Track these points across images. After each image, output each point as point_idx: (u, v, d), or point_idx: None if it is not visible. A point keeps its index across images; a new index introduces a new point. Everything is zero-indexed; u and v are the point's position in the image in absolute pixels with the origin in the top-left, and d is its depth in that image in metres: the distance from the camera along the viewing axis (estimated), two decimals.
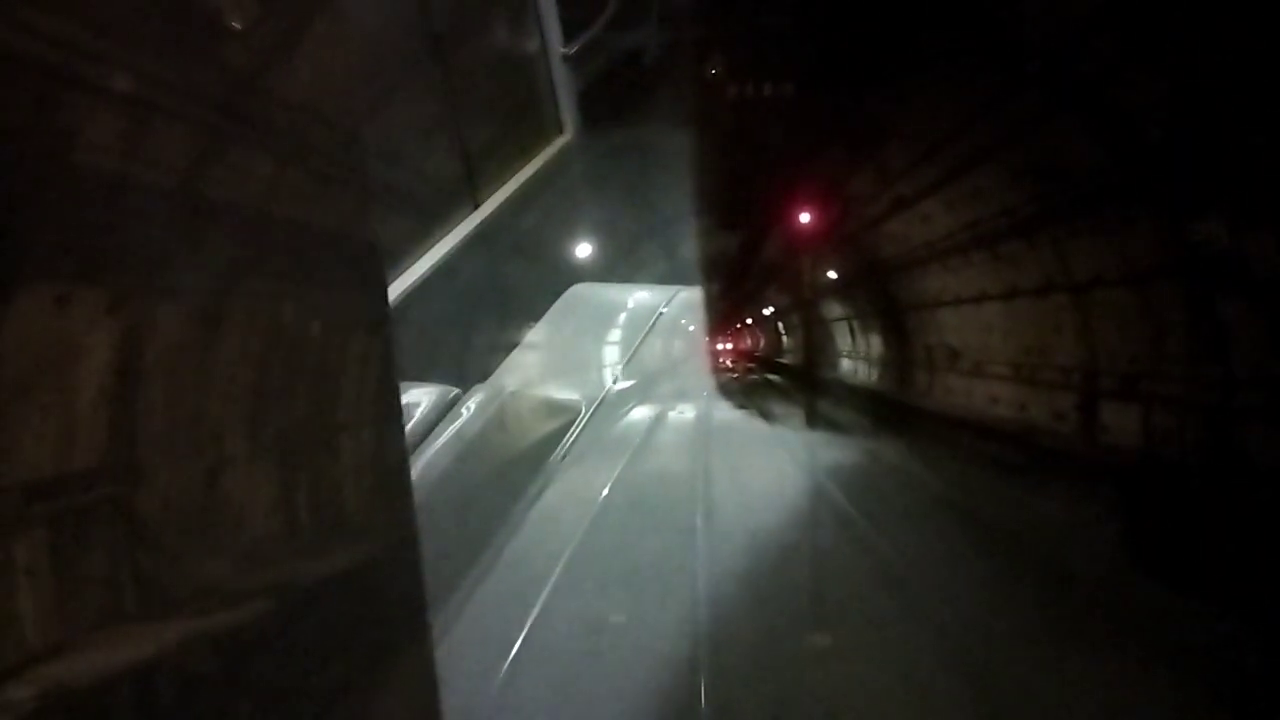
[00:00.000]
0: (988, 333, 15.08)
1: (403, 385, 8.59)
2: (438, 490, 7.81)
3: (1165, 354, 9.62)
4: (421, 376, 9.29)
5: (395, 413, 4.59)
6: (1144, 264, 9.61)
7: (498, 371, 12.56)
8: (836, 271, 23.70)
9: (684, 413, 24.67)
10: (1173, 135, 8.12)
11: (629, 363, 20.41)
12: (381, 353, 4.41)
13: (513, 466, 9.89)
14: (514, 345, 15.36)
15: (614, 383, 15.71)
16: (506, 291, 15.30)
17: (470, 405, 8.64)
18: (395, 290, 11.80)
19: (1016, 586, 7.97)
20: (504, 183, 14.37)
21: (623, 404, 23.80)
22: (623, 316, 21.07)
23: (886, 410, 21.02)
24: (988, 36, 9.11)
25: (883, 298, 21.12)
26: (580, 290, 18.08)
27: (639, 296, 21.90)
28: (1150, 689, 5.78)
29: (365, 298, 4.24)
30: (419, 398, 8.31)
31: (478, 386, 9.07)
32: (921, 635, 6.94)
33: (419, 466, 7.74)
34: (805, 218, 16.17)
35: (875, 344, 24.06)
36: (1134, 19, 7.48)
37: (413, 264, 11.64)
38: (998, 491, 11.85)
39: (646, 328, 21.32)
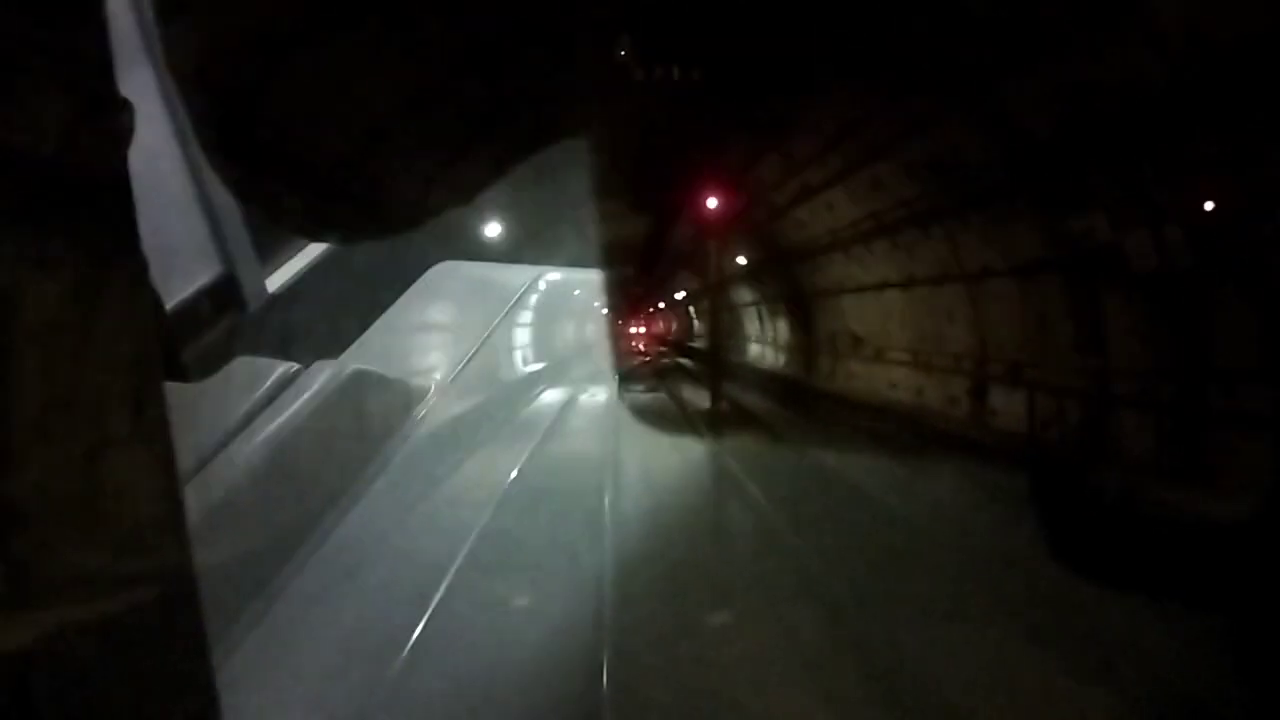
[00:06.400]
0: (888, 319, 15.59)
1: (242, 360, 8.25)
2: (273, 465, 7.59)
3: (1048, 343, 10.14)
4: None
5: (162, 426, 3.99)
6: (1029, 256, 10.09)
7: (349, 350, 12.28)
8: (745, 257, 24.06)
9: (595, 395, 24.73)
10: (1056, 135, 8.53)
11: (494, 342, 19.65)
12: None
13: (352, 443, 9.62)
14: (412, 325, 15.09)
15: (465, 364, 15.25)
16: (408, 273, 15.00)
17: (310, 381, 8.34)
18: (292, 268, 11.47)
19: (908, 565, 8.30)
20: None
21: (532, 386, 23.61)
22: (484, 295, 20.47)
23: (792, 394, 21.52)
24: (883, 35, 9.35)
25: (789, 284, 21.58)
26: (445, 268, 17.64)
27: (505, 276, 21.16)
28: (1029, 659, 6.14)
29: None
30: (257, 372, 8.00)
31: (321, 363, 8.76)
32: (817, 612, 7.18)
33: (254, 442, 7.50)
34: (713, 203, 16.30)
35: (782, 329, 24.58)
36: (1019, 26, 7.81)
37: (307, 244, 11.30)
38: (894, 473, 12.28)
39: (506, 308, 20.64)
